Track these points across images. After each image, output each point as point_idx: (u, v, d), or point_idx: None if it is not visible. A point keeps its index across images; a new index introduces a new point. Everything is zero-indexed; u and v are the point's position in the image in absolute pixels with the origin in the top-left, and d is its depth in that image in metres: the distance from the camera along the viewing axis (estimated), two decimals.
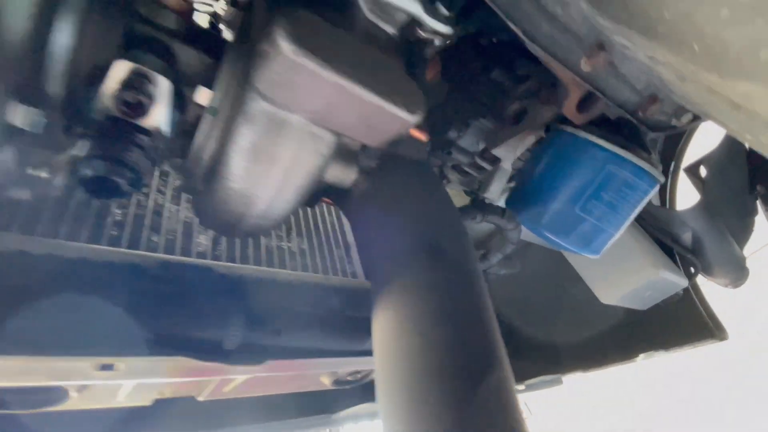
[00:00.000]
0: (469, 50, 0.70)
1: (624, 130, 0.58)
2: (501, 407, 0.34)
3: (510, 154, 0.74)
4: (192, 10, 0.37)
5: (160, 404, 0.54)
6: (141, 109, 0.31)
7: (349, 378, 0.63)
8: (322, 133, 0.34)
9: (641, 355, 0.95)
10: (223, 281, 0.44)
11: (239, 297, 0.43)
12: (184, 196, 0.64)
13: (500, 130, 0.70)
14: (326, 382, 0.62)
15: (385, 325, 0.38)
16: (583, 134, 0.56)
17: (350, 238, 0.88)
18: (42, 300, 0.33)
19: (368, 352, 0.52)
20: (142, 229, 0.55)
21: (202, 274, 0.42)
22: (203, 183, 0.39)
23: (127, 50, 0.32)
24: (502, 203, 0.91)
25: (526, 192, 0.63)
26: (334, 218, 0.88)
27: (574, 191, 0.56)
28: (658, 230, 0.94)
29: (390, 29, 0.37)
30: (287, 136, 0.33)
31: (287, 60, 0.26)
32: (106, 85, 0.30)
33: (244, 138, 0.33)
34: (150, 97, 0.31)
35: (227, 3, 0.41)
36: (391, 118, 0.32)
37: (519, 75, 0.67)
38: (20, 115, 0.26)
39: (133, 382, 0.37)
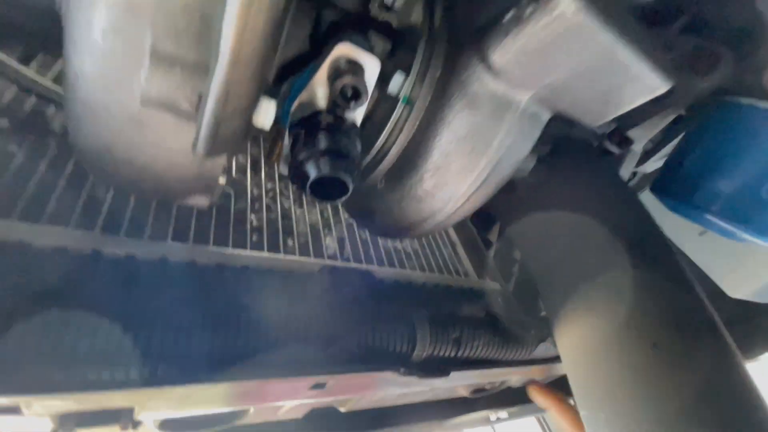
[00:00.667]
0: None
1: None
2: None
3: (644, 135, 0.66)
4: None
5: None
6: (357, 98, 0.27)
7: (487, 387, 0.58)
8: (542, 114, 0.30)
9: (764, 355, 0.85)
10: (383, 285, 0.41)
11: (412, 315, 0.39)
12: (305, 198, 0.62)
13: (638, 109, 0.63)
14: (464, 393, 0.58)
15: (599, 338, 0.33)
16: (765, 104, 0.48)
17: (453, 235, 0.83)
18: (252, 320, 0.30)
19: (533, 361, 0.47)
20: (278, 233, 0.53)
21: (368, 279, 0.39)
22: (385, 180, 0.35)
23: (326, 35, 0.29)
24: None
25: (683, 177, 0.55)
26: None
27: (758, 172, 0.48)
28: None
29: None
30: (509, 119, 0.29)
31: (566, 21, 0.22)
32: (318, 74, 0.27)
33: (461, 125, 0.29)
34: (365, 85, 0.27)
35: None
36: (643, 87, 0.27)
37: (665, 42, 0.59)
38: (263, 110, 0.23)
39: (325, 399, 0.34)
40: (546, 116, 0.31)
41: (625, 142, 0.68)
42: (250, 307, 0.30)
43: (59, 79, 0.52)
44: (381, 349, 0.35)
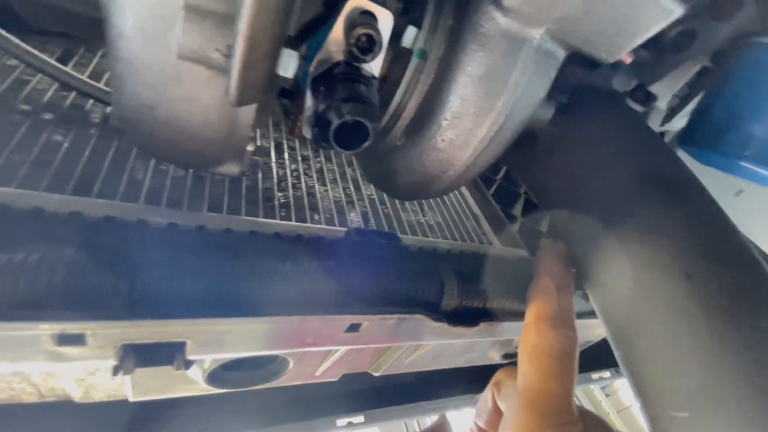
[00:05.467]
0: None
1: None
2: None
3: (668, 90, 0.65)
4: None
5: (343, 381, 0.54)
6: (372, 49, 0.29)
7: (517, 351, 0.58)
8: (556, 49, 0.30)
9: None
10: (409, 250, 0.42)
11: (438, 267, 0.40)
12: (327, 176, 0.64)
13: (659, 61, 0.61)
14: (495, 356, 0.58)
15: (631, 277, 0.33)
16: None
17: (475, 209, 0.84)
18: (274, 267, 0.32)
19: None
20: (304, 210, 0.55)
21: (394, 241, 0.40)
22: (405, 136, 0.36)
23: None
24: None
25: (712, 126, 0.54)
26: (456, 192, 0.85)
27: None
28: None
29: None
30: (524, 56, 0.29)
31: None
32: (335, 27, 0.29)
33: (477, 67, 0.29)
34: (380, 34, 0.29)
35: None
36: (658, 12, 0.27)
37: None
38: (285, 60, 0.25)
39: (365, 346, 0.36)
40: (561, 54, 0.31)
41: (649, 99, 0.66)
42: (283, 261, 0.32)
43: (95, 76, 0.56)
44: (410, 297, 0.36)
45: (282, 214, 0.52)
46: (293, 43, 0.26)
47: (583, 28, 0.28)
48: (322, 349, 0.35)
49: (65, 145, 0.46)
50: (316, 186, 0.61)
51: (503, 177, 0.98)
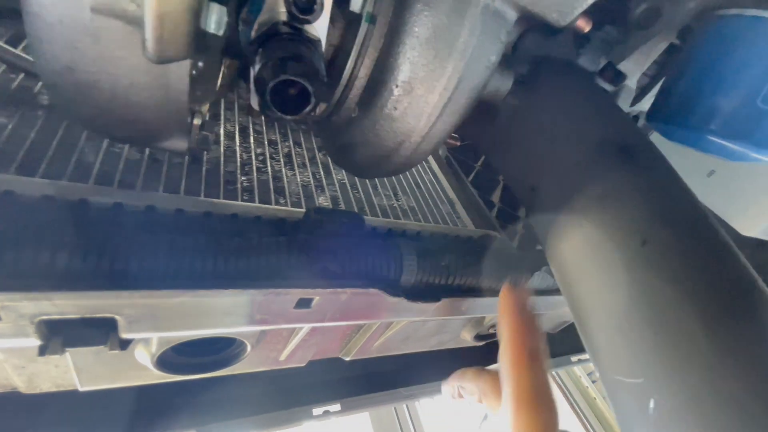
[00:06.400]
0: None
1: None
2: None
3: (637, 68, 0.64)
4: None
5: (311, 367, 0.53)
6: (312, 9, 0.27)
7: (491, 331, 0.58)
8: (505, 10, 0.29)
9: None
10: (375, 231, 0.41)
11: (398, 244, 0.39)
12: (295, 161, 0.63)
13: (627, 39, 0.61)
14: (467, 337, 0.58)
15: (589, 245, 0.33)
16: (753, 12, 0.46)
17: (451, 194, 0.83)
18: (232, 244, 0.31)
19: None
20: (269, 193, 0.54)
21: (356, 220, 0.39)
22: (358, 107, 0.35)
23: None
24: None
25: (678, 101, 0.53)
26: (431, 177, 0.85)
27: (753, 81, 0.46)
28: None
29: None
30: (471, 16, 0.28)
31: None
32: None
33: (423, 28, 0.28)
34: None
35: None
36: None
37: None
38: (212, 15, 0.23)
39: (314, 324, 0.35)
40: (511, 14, 0.30)
41: (619, 77, 0.66)
42: (230, 238, 0.31)
43: None
44: (368, 273, 0.35)
45: (245, 197, 0.50)
46: (229, 5, 0.25)
47: None
48: (274, 327, 0.34)
49: (9, 126, 0.44)
50: (284, 170, 0.59)
51: (482, 164, 0.98)
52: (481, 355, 0.78)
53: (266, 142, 0.63)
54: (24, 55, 0.51)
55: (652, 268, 0.29)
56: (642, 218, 0.31)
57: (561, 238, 0.35)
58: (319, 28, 0.30)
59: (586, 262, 0.33)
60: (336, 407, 0.66)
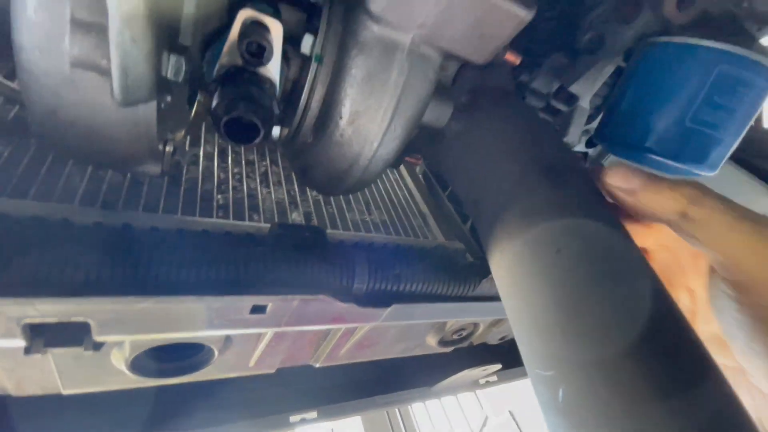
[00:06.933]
0: None
1: (725, 29, 0.53)
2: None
3: (588, 90, 0.70)
4: None
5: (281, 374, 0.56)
6: (262, 55, 0.32)
7: (454, 337, 0.62)
8: (430, 53, 0.34)
9: None
10: (334, 243, 0.45)
11: (353, 254, 0.44)
12: (271, 179, 0.67)
13: (575, 64, 0.66)
14: (432, 343, 0.61)
15: (516, 254, 0.37)
16: (679, 39, 0.51)
17: (424, 208, 0.87)
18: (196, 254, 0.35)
19: (479, 298, 0.50)
20: (244, 211, 0.58)
21: (317, 234, 0.43)
22: (313, 134, 0.40)
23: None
24: (581, 148, 0.86)
25: (619, 120, 0.59)
26: (405, 192, 0.89)
27: (681, 103, 0.51)
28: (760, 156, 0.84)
29: None
30: (399, 59, 0.33)
31: None
32: (230, 36, 0.32)
33: (359, 69, 0.33)
34: (269, 43, 0.32)
35: None
36: (507, 17, 0.31)
37: (585, 3, 0.63)
38: (171, 64, 0.28)
39: (276, 330, 0.38)
40: (435, 56, 0.35)
41: (572, 99, 0.72)
42: (193, 250, 0.35)
43: None
44: (320, 281, 0.39)
45: (219, 214, 0.55)
46: (183, 49, 0.30)
47: (448, 33, 0.32)
48: (235, 332, 0.38)
49: (4, 154, 0.48)
50: (259, 188, 0.64)
51: None
52: (453, 360, 0.81)
53: (243, 162, 0.67)
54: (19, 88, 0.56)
55: (563, 274, 0.33)
56: (558, 229, 0.36)
57: (496, 248, 0.39)
58: (273, 68, 0.35)
59: (514, 270, 0.37)
60: (312, 415, 0.69)
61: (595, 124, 0.78)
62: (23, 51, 0.27)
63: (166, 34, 0.27)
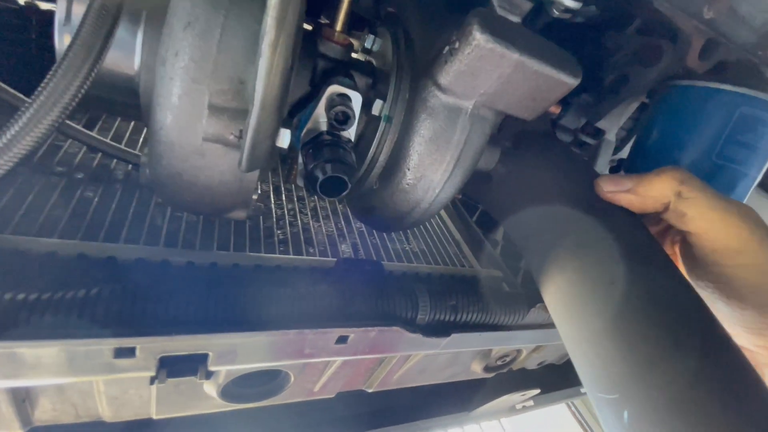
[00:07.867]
0: (555, 31, 0.73)
1: (741, 73, 0.58)
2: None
3: (614, 125, 0.75)
4: (350, 44, 0.44)
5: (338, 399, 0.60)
6: (346, 122, 0.38)
7: (498, 363, 0.65)
8: (488, 114, 0.39)
9: None
10: (391, 275, 0.49)
11: (411, 286, 0.48)
12: (320, 213, 0.73)
13: (601, 102, 0.71)
14: (477, 369, 0.64)
15: (572, 284, 0.40)
16: (701, 83, 0.56)
17: (457, 235, 0.92)
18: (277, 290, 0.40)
19: (526, 326, 0.54)
20: (300, 244, 0.63)
21: (377, 267, 0.48)
22: (378, 181, 0.45)
23: (321, 79, 0.40)
24: None
25: (649, 155, 0.63)
26: (439, 221, 0.93)
27: (707, 141, 0.55)
28: None
29: (516, 18, 0.42)
30: (461, 121, 0.38)
31: (481, 48, 0.32)
32: (318, 107, 0.38)
33: (426, 130, 0.39)
34: (352, 111, 0.38)
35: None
36: (557, 85, 0.36)
37: (608, 47, 0.69)
38: (282, 136, 0.34)
39: (347, 357, 0.43)
40: (492, 116, 0.40)
41: (599, 134, 0.76)
42: (283, 287, 0.40)
43: (117, 138, 0.66)
44: (390, 313, 0.43)
45: (281, 249, 0.60)
46: (287, 121, 0.35)
47: (504, 99, 0.38)
48: (318, 360, 0.42)
49: (95, 199, 0.55)
50: (311, 222, 0.69)
51: None
52: (492, 385, 0.84)
53: (296, 198, 0.73)
54: (102, 138, 0.63)
55: (619, 303, 0.36)
56: (610, 262, 0.40)
57: (549, 280, 0.43)
58: (350, 131, 0.41)
59: (569, 299, 0.41)
60: None
61: (622, 154, 0.82)
62: (163, 129, 0.33)
63: (282, 113, 0.33)
